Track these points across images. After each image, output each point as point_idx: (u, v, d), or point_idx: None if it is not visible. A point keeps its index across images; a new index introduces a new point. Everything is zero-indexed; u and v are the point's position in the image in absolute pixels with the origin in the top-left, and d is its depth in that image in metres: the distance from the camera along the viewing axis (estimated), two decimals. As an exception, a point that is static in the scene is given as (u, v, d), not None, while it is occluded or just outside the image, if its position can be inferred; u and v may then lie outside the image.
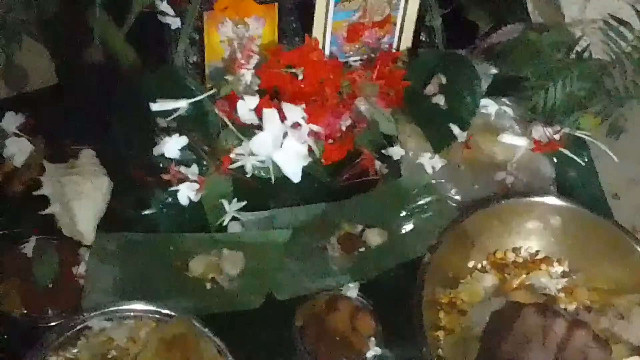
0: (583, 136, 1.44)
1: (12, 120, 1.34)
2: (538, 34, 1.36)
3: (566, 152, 1.43)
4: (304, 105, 1.32)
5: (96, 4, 1.39)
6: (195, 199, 1.29)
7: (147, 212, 1.29)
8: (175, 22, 1.39)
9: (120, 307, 1.14)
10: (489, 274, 1.30)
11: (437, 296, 1.25)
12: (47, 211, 1.24)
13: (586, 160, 1.46)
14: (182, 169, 1.30)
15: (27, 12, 1.37)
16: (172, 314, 1.14)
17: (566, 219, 1.31)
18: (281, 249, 1.25)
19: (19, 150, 1.31)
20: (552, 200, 1.32)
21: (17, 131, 1.32)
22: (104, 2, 1.41)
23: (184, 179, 1.29)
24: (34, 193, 1.25)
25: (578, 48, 1.34)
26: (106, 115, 1.34)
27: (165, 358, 1.09)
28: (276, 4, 1.37)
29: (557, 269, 1.32)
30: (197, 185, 1.28)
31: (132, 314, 1.14)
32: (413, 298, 1.17)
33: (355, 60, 1.47)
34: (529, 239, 1.33)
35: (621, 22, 1.28)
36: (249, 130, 1.33)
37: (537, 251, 1.33)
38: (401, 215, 1.33)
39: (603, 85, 1.31)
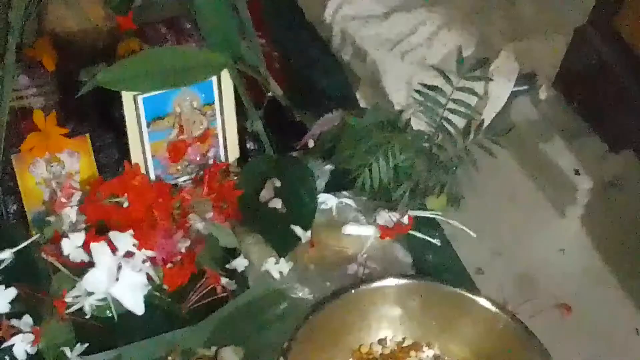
0: (433, 216, 1.42)
1: None
2: (357, 117, 1.34)
3: (418, 234, 1.40)
4: (132, 232, 1.26)
5: None
6: (32, 351, 1.21)
7: (-18, 375, 1.20)
8: (-15, 172, 1.34)
9: None
10: (358, 371, 1.23)
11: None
12: None
13: (441, 240, 1.42)
14: (14, 321, 1.22)
15: None
16: None
17: (425, 298, 1.24)
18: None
19: None
20: (405, 280, 1.24)
21: None
22: None
23: (17, 332, 1.21)
24: None
25: (400, 125, 1.32)
26: None
27: None
28: (87, 135, 1.32)
29: (428, 352, 1.26)
30: (32, 337, 1.20)
31: None
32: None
33: (185, 180, 1.42)
34: (392, 327, 1.26)
35: (430, 87, 1.26)
36: (82, 270, 1.25)
37: (404, 338, 1.27)
38: (255, 327, 1.26)
39: (438, 158, 1.30)
